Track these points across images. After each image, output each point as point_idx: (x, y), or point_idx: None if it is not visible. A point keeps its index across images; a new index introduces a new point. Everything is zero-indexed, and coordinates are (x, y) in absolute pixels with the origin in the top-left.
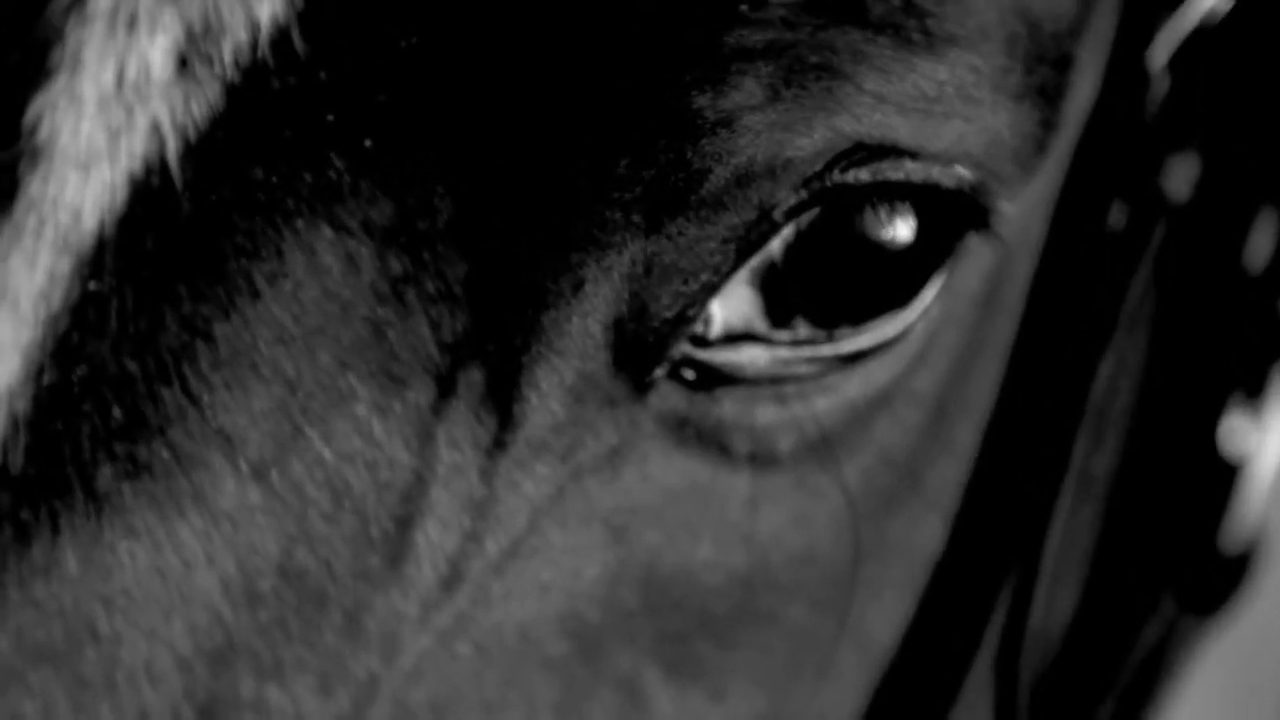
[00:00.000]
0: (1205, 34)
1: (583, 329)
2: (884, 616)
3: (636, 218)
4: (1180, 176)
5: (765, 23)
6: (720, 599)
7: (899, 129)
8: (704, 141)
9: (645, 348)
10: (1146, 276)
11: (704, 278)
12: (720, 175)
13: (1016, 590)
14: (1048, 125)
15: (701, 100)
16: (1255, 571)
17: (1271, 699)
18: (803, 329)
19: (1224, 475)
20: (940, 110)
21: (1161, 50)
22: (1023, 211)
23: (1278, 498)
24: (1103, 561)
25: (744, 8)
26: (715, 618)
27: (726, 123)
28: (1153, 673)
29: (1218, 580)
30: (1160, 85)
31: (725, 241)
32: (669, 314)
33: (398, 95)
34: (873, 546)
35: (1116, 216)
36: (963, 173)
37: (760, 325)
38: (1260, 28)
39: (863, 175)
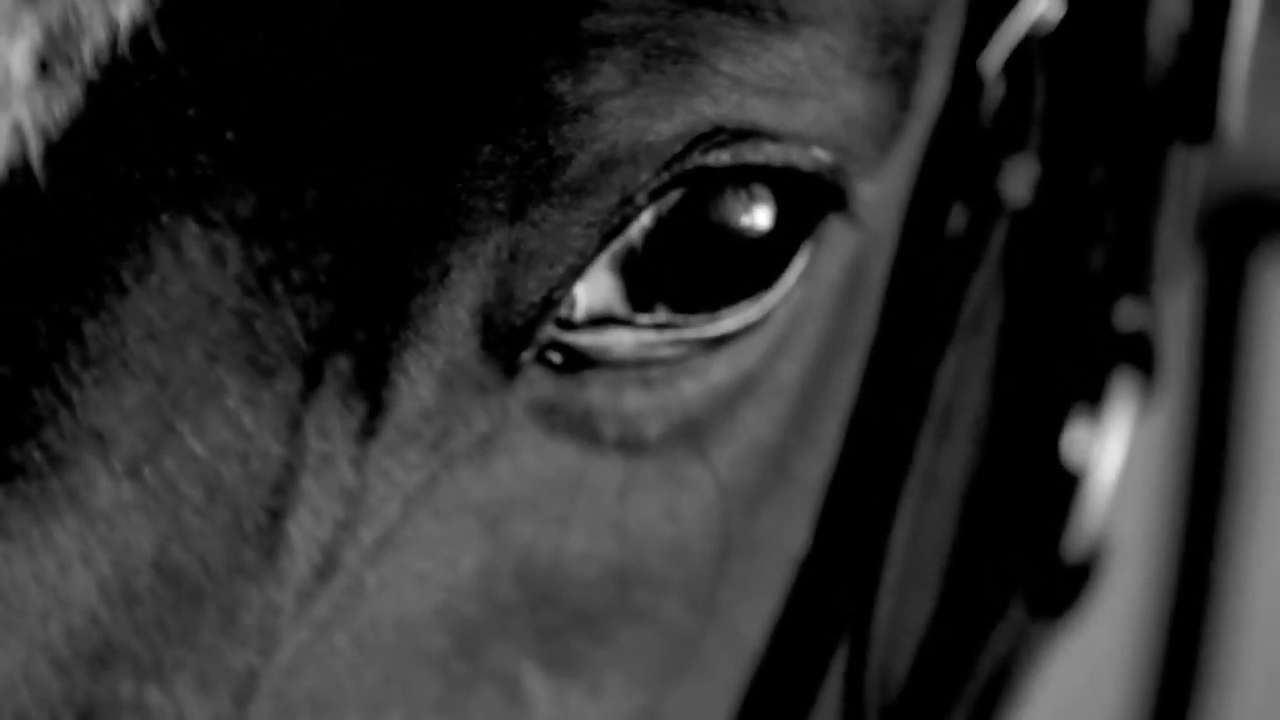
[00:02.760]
0: (1040, 37)
1: (450, 316)
2: (754, 614)
3: (501, 205)
4: (1017, 180)
5: (623, 8)
6: (595, 593)
7: (757, 110)
8: (565, 128)
9: (513, 332)
10: (991, 281)
11: (569, 261)
12: (583, 161)
13: (863, 593)
14: (903, 106)
15: (562, 86)
16: (1098, 579)
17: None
18: (663, 313)
19: (1066, 483)
20: (797, 89)
21: (997, 53)
22: (880, 200)
23: (1120, 506)
24: (956, 569)
25: None
26: (591, 613)
27: (588, 109)
28: (1003, 678)
29: (1062, 587)
30: (996, 88)
31: (589, 226)
32: (535, 298)
33: (258, 88)
34: (742, 540)
35: (956, 219)
36: (821, 155)
37: (622, 310)
38: (1092, 32)
39: (723, 157)
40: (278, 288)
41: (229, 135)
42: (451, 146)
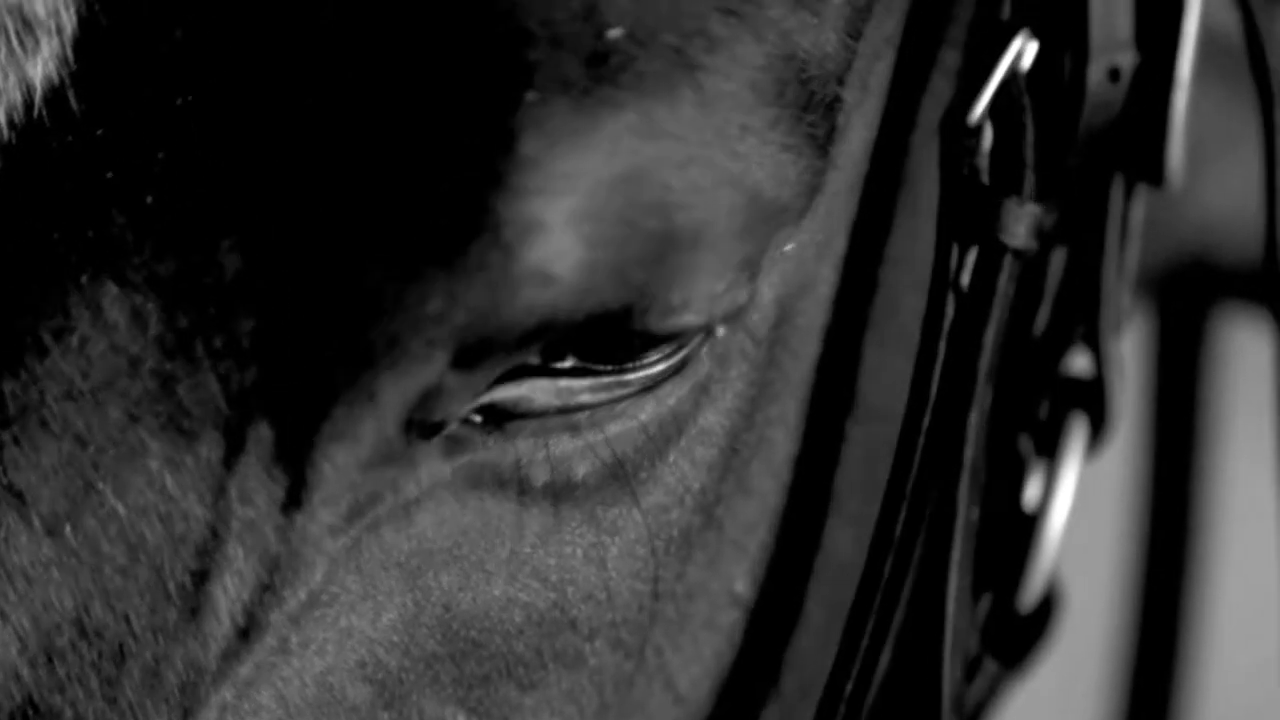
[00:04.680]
0: (1021, 79)
1: (375, 427)
2: (690, 658)
3: (440, 353)
4: (1019, 224)
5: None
6: (520, 639)
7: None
8: (521, 294)
9: (435, 422)
10: (1000, 326)
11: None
12: (528, 322)
13: (848, 640)
14: (817, 172)
15: (509, 235)
16: (1054, 624)
17: None
18: (573, 360)
19: (1019, 529)
20: (702, 160)
21: (980, 99)
22: (803, 251)
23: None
24: (916, 610)
25: (528, 93)
26: (518, 660)
27: (540, 273)
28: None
29: (1019, 632)
30: (984, 134)
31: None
32: (462, 404)
33: (177, 152)
34: (674, 585)
35: (960, 268)
36: (737, 297)
37: (535, 359)
38: (1067, 69)
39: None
40: (199, 350)
41: (148, 198)
42: (395, 285)
